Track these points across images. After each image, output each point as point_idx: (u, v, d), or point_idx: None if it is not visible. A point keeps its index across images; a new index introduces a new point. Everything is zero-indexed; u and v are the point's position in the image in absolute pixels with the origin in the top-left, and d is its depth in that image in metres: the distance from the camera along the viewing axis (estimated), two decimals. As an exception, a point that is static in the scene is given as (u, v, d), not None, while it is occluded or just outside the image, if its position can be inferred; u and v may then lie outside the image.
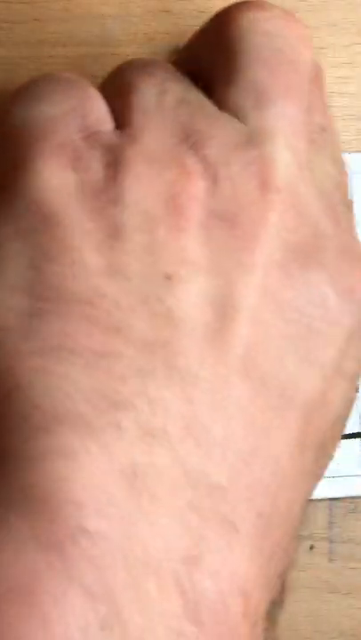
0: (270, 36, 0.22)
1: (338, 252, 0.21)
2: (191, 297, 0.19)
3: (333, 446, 0.22)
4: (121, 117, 0.21)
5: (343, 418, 0.21)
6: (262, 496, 0.18)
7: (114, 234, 0.19)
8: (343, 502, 0.34)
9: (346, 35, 0.35)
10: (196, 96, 0.22)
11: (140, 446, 0.17)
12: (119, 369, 0.18)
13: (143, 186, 0.19)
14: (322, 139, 0.23)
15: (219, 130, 0.21)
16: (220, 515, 0.17)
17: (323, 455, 0.21)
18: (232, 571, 0.17)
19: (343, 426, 0.22)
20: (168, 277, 0.19)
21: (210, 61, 0.23)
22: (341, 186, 0.23)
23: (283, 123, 0.21)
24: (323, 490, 0.33)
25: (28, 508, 0.16)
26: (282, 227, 0.20)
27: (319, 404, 0.20)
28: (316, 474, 0.21)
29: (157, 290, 0.19)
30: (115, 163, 0.20)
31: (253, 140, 0.21)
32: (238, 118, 0.21)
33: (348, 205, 0.23)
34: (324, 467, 0.22)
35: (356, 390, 0.22)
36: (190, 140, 0.20)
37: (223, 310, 0.19)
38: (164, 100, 0.21)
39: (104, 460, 0.16)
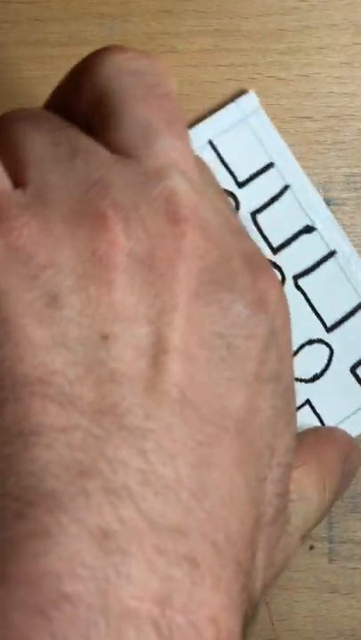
0: (139, 74, 0.23)
1: (243, 265, 0.22)
2: (127, 352, 0.19)
3: (284, 442, 0.22)
4: (18, 175, 0.21)
5: (282, 414, 0.22)
6: (215, 526, 0.19)
7: (51, 302, 0.19)
8: (343, 502, 0.34)
9: (345, 35, 0.35)
10: (87, 143, 0.22)
11: (106, 507, 0.18)
12: (78, 440, 0.18)
13: (65, 245, 0.20)
14: (201, 161, 0.24)
15: (117, 175, 0.21)
16: (182, 554, 0.18)
17: (272, 454, 0.22)
18: (199, 603, 0.18)
19: (287, 420, 0.23)
20: (105, 337, 0.19)
21: (84, 108, 0.23)
22: (228, 200, 0.24)
23: (173, 154, 0.22)
24: None
25: (10, 584, 0.17)
26: (195, 255, 0.21)
27: (249, 416, 0.21)
28: (272, 474, 0.22)
29: (98, 353, 0.19)
30: (31, 224, 0.20)
31: (152, 177, 0.21)
32: (131, 158, 0.22)
33: (237, 215, 0.24)
34: (282, 463, 0.22)
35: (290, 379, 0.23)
36: (94, 190, 0.21)
37: (155, 357, 0.20)
38: (57, 152, 0.21)
39: (75, 529, 0.18)
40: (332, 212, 0.35)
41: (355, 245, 0.35)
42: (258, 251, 0.23)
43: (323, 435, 0.32)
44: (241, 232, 0.23)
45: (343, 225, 0.35)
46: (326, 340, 0.34)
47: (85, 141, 0.22)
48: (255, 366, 0.21)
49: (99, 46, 0.34)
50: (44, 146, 0.21)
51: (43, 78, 0.34)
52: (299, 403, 0.34)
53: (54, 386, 0.19)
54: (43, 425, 0.18)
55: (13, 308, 0.19)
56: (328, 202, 0.35)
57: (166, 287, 0.20)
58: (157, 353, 0.20)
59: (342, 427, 0.34)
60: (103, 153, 0.21)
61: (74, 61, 0.34)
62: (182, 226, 0.21)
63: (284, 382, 0.22)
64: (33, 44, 0.34)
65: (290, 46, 0.35)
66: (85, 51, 0.34)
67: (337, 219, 0.35)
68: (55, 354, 0.19)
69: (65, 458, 0.18)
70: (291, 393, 0.23)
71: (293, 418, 0.23)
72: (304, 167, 0.35)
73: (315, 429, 0.33)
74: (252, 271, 0.22)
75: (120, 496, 0.18)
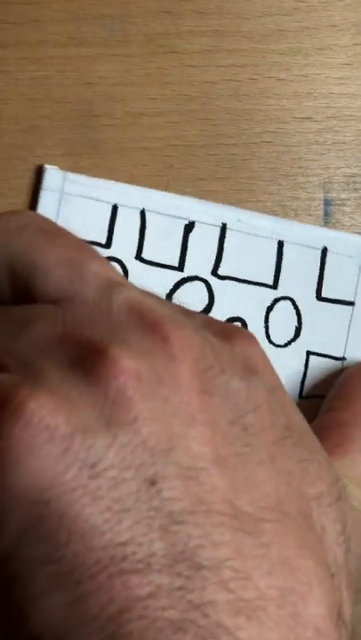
0: (25, 228, 0.23)
1: (216, 337, 0.22)
2: (175, 487, 0.19)
3: (324, 482, 0.22)
4: None
5: (309, 460, 0.22)
6: (303, 626, 0.20)
7: (92, 471, 0.19)
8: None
9: (345, 35, 0.35)
10: (27, 310, 0.22)
11: None
12: (164, 599, 0.18)
13: (79, 401, 0.19)
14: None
15: (76, 316, 0.21)
16: None
17: (319, 502, 0.22)
18: None
19: (317, 460, 0.23)
20: (153, 482, 0.19)
21: None
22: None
23: (104, 273, 0.22)
24: None
25: None
26: (185, 350, 0.21)
27: (287, 487, 0.21)
28: (327, 519, 0.22)
29: (152, 502, 0.19)
30: (36, 397, 0.19)
31: (102, 302, 0.22)
32: (73, 295, 0.22)
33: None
34: (332, 502, 0.22)
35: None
36: (67, 341, 0.21)
37: (197, 477, 0.20)
38: (9, 329, 0.22)
39: None
40: (332, 212, 0.35)
41: (355, 246, 0.35)
42: (210, 317, 0.23)
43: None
44: (185, 309, 0.23)
45: (343, 226, 0.35)
46: (281, 295, 0.34)
47: (24, 310, 0.22)
48: (271, 433, 0.21)
49: (99, 47, 0.34)
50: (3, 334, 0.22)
51: (43, 79, 0.34)
52: (303, 359, 0.34)
53: (128, 557, 0.19)
54: (129, 599, 0.18)
55: (63, 496, 0.19)
56: (328, 202, 0.35)
57: (178, 399, 0.20)
58: (198, 474, 0.20)
59: (350, 348, 0.34)
60: (47, 308, 0.22)
61: (74, 62, 0.34)
62: (159, 330, 0.21)
63: (297, 428, 0.23)
64: (33, 45, 0.34)
65: (290, 47, 0.35)
66: (85, 51, 0.34)
67: (337, 219, 0.35)
68: (118, 524, 0.19)
69: (157, 621, 0.18)
70: (307, 432, 0.23)
71: (320, 451, 0.23)
72: (304, 168, 0.35)
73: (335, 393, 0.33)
74: (225, 338, 0.22)
75: (216, 636, 0.18)
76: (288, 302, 0.34)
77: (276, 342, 0.34)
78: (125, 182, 0.34)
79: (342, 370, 0.34)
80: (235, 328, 0.23)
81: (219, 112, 0.34)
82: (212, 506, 0.20)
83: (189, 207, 0.34)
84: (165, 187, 0.34)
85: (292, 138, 0.35)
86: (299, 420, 0.23)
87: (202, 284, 0.34)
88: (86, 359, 0.20)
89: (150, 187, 0.34)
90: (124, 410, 0.20)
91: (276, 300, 0.34)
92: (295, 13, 0.35)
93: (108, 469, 0.19)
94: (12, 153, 0.34)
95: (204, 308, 0.34)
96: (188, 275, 0.34)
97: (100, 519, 0.19)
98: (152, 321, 0.21)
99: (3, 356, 0.21)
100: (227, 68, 0.34)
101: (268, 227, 0.34)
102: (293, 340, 0.34)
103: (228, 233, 0.34)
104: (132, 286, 0.23)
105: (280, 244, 0.34)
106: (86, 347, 0.20)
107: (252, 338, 0.23)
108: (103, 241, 0.34)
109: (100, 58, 0.34)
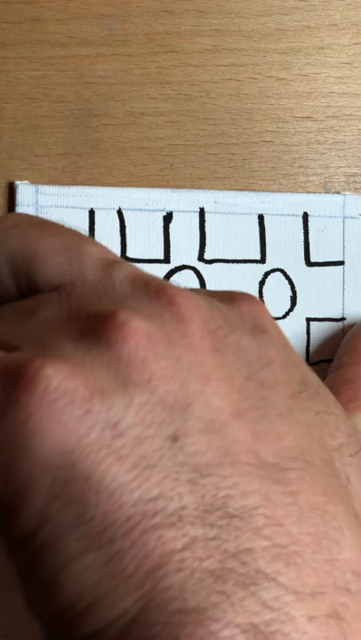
0: (17, 227, 0.24)
1: (220, 300, 0.23)
2: (198, 440, 0.20)
3: (343, 433, 0.23)
4: (6, 349, 0.21)
5: (327, 412, 0.23)
6: (340, 570, 0.20)
7: (114, 430, 0.19)
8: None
9: (346, 35, 0.35)
10: (33, 301, 0.22)
11: (249, 600, 0.18)
12: (200, 550, 0.19)
13: (93, 365, 0.20)
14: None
15: (81, 296, 0.22)
16: (327, 613, 0.19)
17: (341, 453, 0.22)
18: None
19: (334, 413, 0.23)
20: (175, 438, 0.19)
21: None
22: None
23: (101, 252, 0.23)
24: None
25: None
26: (193, 312, 0.21)
27: (307, 438, 0.21)
28: (351, 469, 0.22)
29: (177, 458, 0.19)
30: (51, 366, 0.19)
31: (104, 277, 0.22)
32: (75, 279, 0.22)
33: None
34: (353, 452, 0.23)
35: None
36: (75, 319, 0.21)
37: (220, 430, 0.20)
38: (16, 316, 0.22)
39: (228, 632, 0.18)
40: (333, 212, 0.35)
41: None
42: (210, 289, 0.23)
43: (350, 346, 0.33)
44: (185, 287, 0.24)
45: (344, 225, 0.35)
46: (270, 268, 0.34)
47: (29, 301, 0.22)
48: (286, 387, 0.22)
49: (99, 46, 0.34)
50: (4, 320, 0.22)
51: (43, 78, 0.34)
52: (303, 326, 0.35)
53: (159, 512, 0.19)
54: (165, 553, 0.18)
55: (88, 458, 0.19)
56: (328, 202, 0.35)
57: (191, 358, 0.20)
58: (220, 427, 0.20)
59: (347, 308, 0.34)
60: (51, 294, 0.22)
61: (74, 61, 0.34)
62: (165, 294, 0.21)
63: (311, 383, 0.23)
64: (33, 44, 0.34)
65: (290, 46, 0.35)
66: (85, 51, 0.34)
67: (337, 219, 0.35)
68: (145, 481, 0.19)
69: (196, 572, 0.18)
70: (321, 387, 0.23)
71: (336, 404, 0.23)
72: (304, 167, 0.35)
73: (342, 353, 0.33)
74: (230, 302, 0.23)
75: (257, 583, 0.18)
76: (279, 274, 0.34)
77: (275, 315, 0.34)
78: (125, 182, 0.34)
79: (343, 330, 0.34)
80: (238, 292, 0.24)
81: (219, 111, 0.34)
82: (237, 457, 0.20)
83: (164, 198, 0.34)
84: (165, 186, 0.34)
85: (293, 137, 0.35)
86: (312, 375, 0.23)
87: (191, 272, 0.34)
88: (96, 327, 0.20)
89: (150, 186, 0.34)
90: (139, 370, 0.20)
91: (266, 274, 0.34)
92: (295, 12, 0.35)
93: (130, 428, 0.19)
94: (11, 152, 0.34)
95: None
96: (176, 265, 0.34)
97: (128, 477, 0.19)
98: (156, 288, 0.22)
99: (12, 339, 0.21)
100: (227, 68, 0.34)
101: (246, 202, 0.34)
102: (291, 309, 0.34)
103: (206, 216, 0.34)
104: (130, 264, 0.23)
105: (260, 218, 0.34)
106: (94, 316, 0.21)
107: (256, 300, 0.24)
108: None
109: (99, 57, 0.34)
